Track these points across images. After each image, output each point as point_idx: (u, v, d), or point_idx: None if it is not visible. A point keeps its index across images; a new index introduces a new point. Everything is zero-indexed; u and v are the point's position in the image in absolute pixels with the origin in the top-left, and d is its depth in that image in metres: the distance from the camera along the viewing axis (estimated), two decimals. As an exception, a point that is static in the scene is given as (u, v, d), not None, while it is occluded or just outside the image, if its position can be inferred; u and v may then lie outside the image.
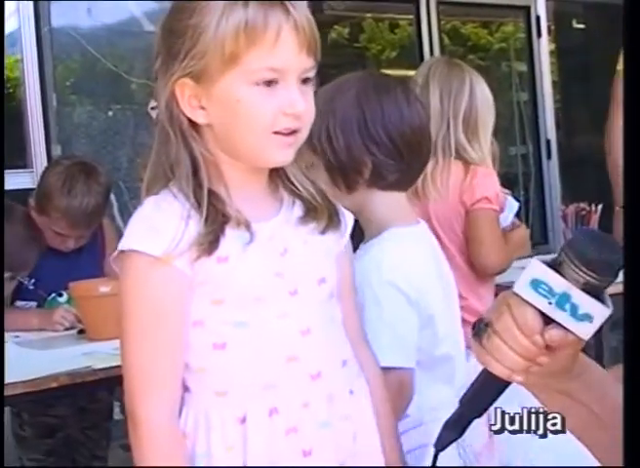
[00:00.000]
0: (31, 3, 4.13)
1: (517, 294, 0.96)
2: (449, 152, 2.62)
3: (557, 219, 3.99)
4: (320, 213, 1.41)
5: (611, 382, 1.07)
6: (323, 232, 1.42)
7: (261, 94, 1.29)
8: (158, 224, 1.31)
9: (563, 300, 0.94)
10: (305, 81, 1.33)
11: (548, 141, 6.51)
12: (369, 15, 7.29)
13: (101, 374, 2.09)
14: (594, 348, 3.02)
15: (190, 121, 1.34)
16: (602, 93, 7.09)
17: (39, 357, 2.29)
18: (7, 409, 2.81)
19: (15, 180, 4.04)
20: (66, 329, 2.68)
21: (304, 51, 1.30)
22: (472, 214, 2.60)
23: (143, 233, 1.32)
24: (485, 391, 1.03)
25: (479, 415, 1.05)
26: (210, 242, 1.30)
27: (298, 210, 1.42)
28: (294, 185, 1.42)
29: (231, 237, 1.33)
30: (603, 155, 4.01)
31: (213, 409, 1.36)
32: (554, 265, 0.96)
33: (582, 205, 3.21)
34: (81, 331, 2.57)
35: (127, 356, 1.34)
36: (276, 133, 1.31)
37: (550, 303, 0.94)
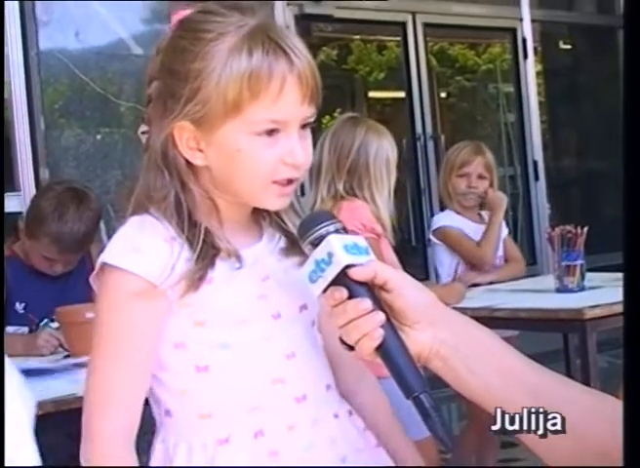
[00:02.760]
0: (19, 26, 4.14)
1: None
2: (329, 195, 2.98)
3: (545, 240, 4.01)
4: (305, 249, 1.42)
5: (471, 322, 1.17)
6: None
7: (262, 144, 1.29)
8: (146, 247, 1.31)
9: (317, 267, 1.14)
10: (305, 125, 1.33)
11: (535, 163, 6.54)
12: (357, 37, 7.33)
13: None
14: (580, 370, 3.03)
15: (187, 160, 1.34)
16: (589, 113, 7.16)
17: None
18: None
19: (2, 204, 4.04)
20: (51, 353, 2.66)
21: (307, 101, 1.30)
22: None
23: (129, 253, 1.31)
24: (395, 364, 1.12)
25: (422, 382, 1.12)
26: (200, 277, 1.31)
27: (282, 242, 1.42)
28: (281, 219, 1.42)
29: (219, 264, 1.33)
30: (589, 176, 4.05)
31: (195, 432, 1.35)
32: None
33: (568, 227, 3.21)
34: (68, 357, 2.56)
35: (94, 373, 1.33)
36: (275, 182, 1.31)
37: (321, 274, 1.14)
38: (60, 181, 3.38)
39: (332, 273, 1.13)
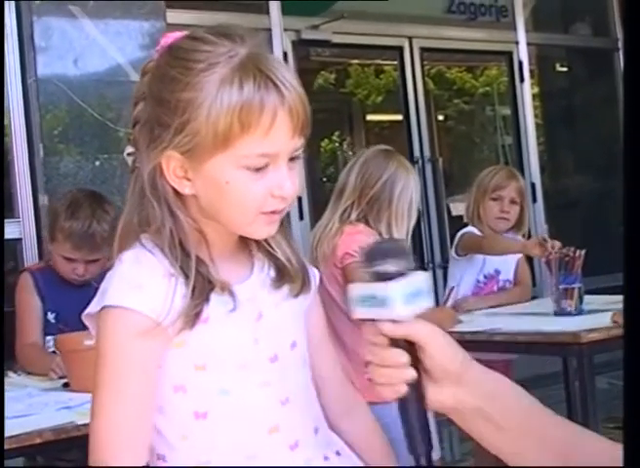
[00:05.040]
0: (17, 53, 4.16)
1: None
2: (341, 219, 3.01)
3: (543, 263, 4.01)
4: (295, 277, 1.40)
5: (500, 382, 1.16)
6: (296, 296, 1.41)
7: (251, 177, 1.27)
8: (146, 283, 1.29)
9: (369, 299, 1.10)
10: (294, 158, 1.31)
11: (533, 185, 6.55)
12: (355, 61, 7.37)
13: (86, 430, 2.05)
14: (579, 392, 3.03)
15: (174, 190, 1.32)
16: (586, 135, 7.18)
17: (22, 411, 2.27)
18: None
19: (1, 230, 4.04)
20: (60, 377, 2.65)
21: (297, 134, 1.28)
22: (344, 271, 2.93)
23: (131, 290, 1.29)
24: (408, 421, 1.12)
25: (427, 446, 1.12)
26: (196, 313, 1.29)
27: (271, 272, 1.40)
28: (270, 246, 1.40)
29: (214, 301, 1.31)
30: (587, 197, 4.06)
31: None
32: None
33: (566, 250, 3.21)
34: (66, 385, 2.55)
35: (102, 413, 1.29)
36: (263, 213, 1.30)
37: (369, 307, 1.10)
38: (81, 189, 3.48)
39: (379, 315, 1.11)
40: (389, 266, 1.11)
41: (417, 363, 1.12)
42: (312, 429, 1.41)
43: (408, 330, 1.12)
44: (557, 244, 3.38)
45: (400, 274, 1.10)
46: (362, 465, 1.48)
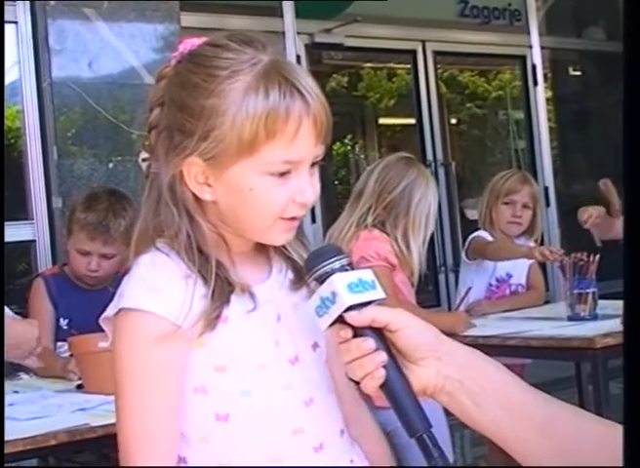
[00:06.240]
0: (32, 55, 4.19)
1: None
2: (357, 223, 3.02)
3: (557, 267, 4.01)
4: None
5: (473, 353, 1.17)
6: None
7: (274, 183, 1.27)
8: (163, 286, 1.29)
9: (322, 304, 1.14)
10: (314, 163, 1.32)
11: (546, 189, 6.53)
12: (367, 64, 7.37)
13: (101, 432, 2.07)
14: (593, 397, 3.02)
15: (194, 195, 1.31)
16: (599, 139, 7.16)
17: (37, 413, 2.28)
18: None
19: (15, 232, 4.06)
20: (79, 378, 2.65)
21: (320, 141, 1.29)
22: None
23: (147, 293, 1.28)
24: (398, 404, 1.12)
25: (424, 423, 1.12)
26: (217, 315, 1.29)
27: (289, 273, 1.41)
28: (286, 249, 1.40)
29: (233, 301, 1.31)
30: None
31: None
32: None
33: (580, 255, 3.20)
34: (80, 386, 2.56)
35: (124, 420, 1.30)
36: (282, 218, 1.30)
37: (326, 310, 1.14)
38: (101, 186, 3.50)
39: (336, 312, 1.13)
40: (327, 266, 1.15)
41: (390, 349, 1.13)
42: (338, 431, 1.40)
43: (371, 314, 1.12)
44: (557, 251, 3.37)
45: (341, 270, 1.15)
46: None
